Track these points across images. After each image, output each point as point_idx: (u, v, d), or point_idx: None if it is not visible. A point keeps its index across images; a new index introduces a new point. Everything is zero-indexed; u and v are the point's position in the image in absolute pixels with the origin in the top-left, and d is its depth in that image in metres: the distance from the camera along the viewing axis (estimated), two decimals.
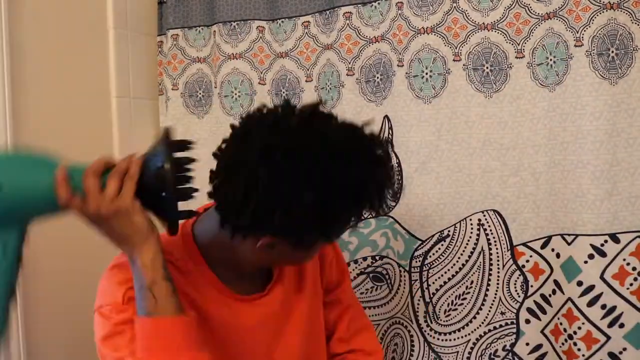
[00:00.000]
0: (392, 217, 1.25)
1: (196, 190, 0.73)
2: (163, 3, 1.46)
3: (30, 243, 1.17)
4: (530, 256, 1.12)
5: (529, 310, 1.13)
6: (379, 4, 1.24)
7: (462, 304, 1.18)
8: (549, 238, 1.11)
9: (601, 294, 1.04)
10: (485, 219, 1.16)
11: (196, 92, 1.45)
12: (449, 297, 1.19)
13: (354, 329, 1.01)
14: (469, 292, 1.18)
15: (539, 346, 1.13)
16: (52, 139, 1.24)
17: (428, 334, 1.21)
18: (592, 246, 1.04)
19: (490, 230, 1.15)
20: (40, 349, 1.20)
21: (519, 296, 1.14)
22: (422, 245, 1.21)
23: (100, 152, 1.37)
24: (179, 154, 0.74)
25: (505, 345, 1.15)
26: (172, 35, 1.44)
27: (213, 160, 1.45)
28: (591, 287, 1.05)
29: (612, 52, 1.01)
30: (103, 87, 1.36)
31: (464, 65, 1.16)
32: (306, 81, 1.34)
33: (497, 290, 1.16)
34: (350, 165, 0.69)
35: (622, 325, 1.03)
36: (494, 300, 1.16)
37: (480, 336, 1.17)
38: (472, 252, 1.17)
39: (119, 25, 1.39)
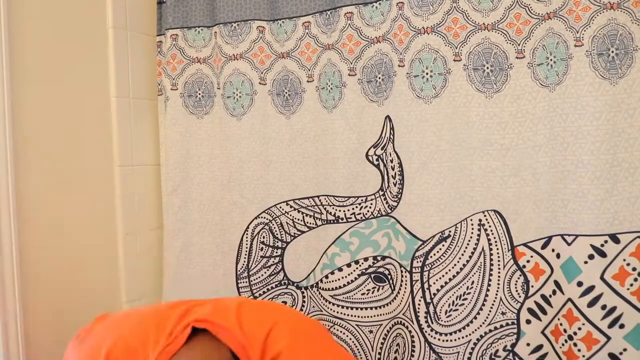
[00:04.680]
0: (394, 217, 1.25)
1: None
2: (162, 3, 1.46)
3: (30, 244, 1.17)
4: (531, 256, 1.12)
5: (530, 310, 1.13)
6: (379, 4, 1.24)
7: (462, 304, 1.18)
8: (549, 238, 1.11)
9: (601, 294, 1.04)
10: (486, 219, 1.16)
11: (195, 92, 1.45)
12: (450, 297, 1.19)
13: None
14: (469, 293, 1.17)
15: (539, 347, 1.13)
16: (51, 139, 1.25)
17: (429, 334, 1.21)
18: (592, 246, 1.04)
19: (491, 230, 1.15)
20: (41, 348, 1.19)
21: (520, 296, 1.14)
22: (423, 246, 1.21)
23: (100, 152, 1.38)
24: None
25: (505, 346, 1.15)
26: (171, 35, 1.44)
27: (212, 161, 1.46)
28: (591, 288, 1.05)
29: (612, 52, 1.02)
30: (102, 87, 1.36)
31: (464, 65, 1.16)
32: (308, 81, 1.34)
33: (497, 291, 1.16)
34: None
35: (622, 326, 1.03)
36: (494, 301, 1.16)
37: (481, 336, 1.17)
38: (472, 253, 1.17)
39: (119, 25, 1.39)
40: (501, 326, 1.16)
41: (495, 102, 1.14)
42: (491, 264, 1.16)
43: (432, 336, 1.21)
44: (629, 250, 1.03)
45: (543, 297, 1.12)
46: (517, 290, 1.14)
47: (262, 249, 1.39)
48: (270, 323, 0.93)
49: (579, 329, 1.06)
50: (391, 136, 1.24)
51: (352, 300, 1.29)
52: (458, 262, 1.18)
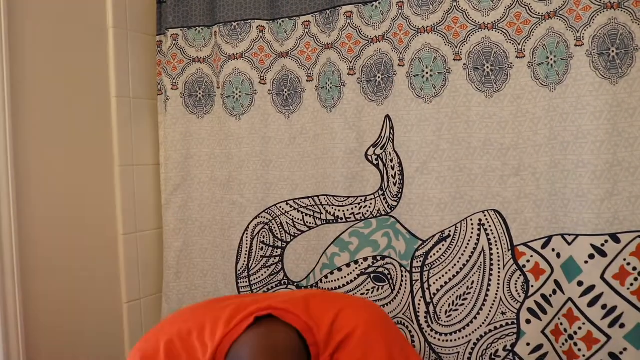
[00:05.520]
0: (394, 217, 1.25)
1: None
2: (162, 3, 1.46)
3: (31, 244, 1.17)
4: (531, 256, 1.12)
5: (530, 310, 1.13)
6: (379, 3, 1.24)
7: (462, 304, 1.18)
8: (550, 238, 1.10)
9: (602, 294, 1.04)
10: (486, 219, 1.16)
11: (196, 92, 1.45)
12: (450, 297, 1.19)
13: None
14: (469, 293, 1.17)
15: (539, 346, 1.13)
16: (51, 139, 1.25)
17: (429, 334, 1.21)
18: (593, 246, 1.04)
19: (491, 230, 1.15)
20: (41, 348, 1.19)
21: (520, 296, 1.14)
22: (423, 245, 1.21)
23: (100, 152, 1.38)
24: None
25: (505, 346, 1.15)
26: (171, 35, 1.44)
27: (212, 160, 1.46)
28: (592, 287, 1.04)
29: (613, 51, 1.01)
30: (102, 86, 1.36)
31: (464, 64, 1.16)
32: (307, 81, 1.34)
33: (497, 291, 1.15)
34: None
35: (622, 326, 1.03)
36: (494, 301, 1.16)
37: (481, 336, 1.17)
38: (472, 252, 1.17)
39: (119, 24, 1.39)
40: (501, 326, 1.15)
41: (496, 102, 1.14)
42: (491, 264, 1.16)
43: (432, 336, 1.21)
44: (630, 249, 1.02)
45: (543, 296, 1.12)
46: (517, 290, 1.14)
47: (262, 249, 1.39)
48: (338, 307, 0.95)
49: (580, 328, 1.06)
50: (391, 136, 1.24)
51: None
52: (458, 262, 1.18)
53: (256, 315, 0.92)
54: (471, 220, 1.17)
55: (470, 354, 1.18)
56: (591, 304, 1.04)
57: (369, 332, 0.93)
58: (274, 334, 0.89)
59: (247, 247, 1.40)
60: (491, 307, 1.16)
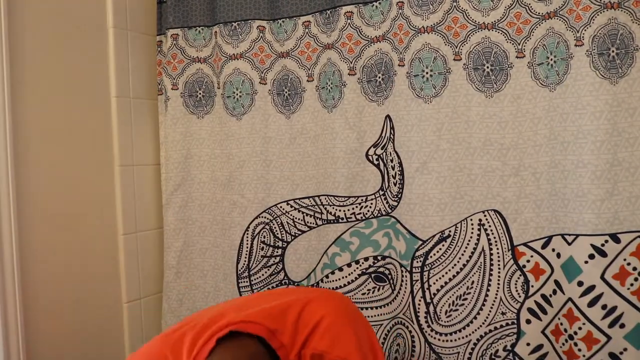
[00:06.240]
0: (394, 217, 1.25)
1: None
2: (163, 3, 1.46)
3: (31, 244, 1.17)
4: (531, 256, 1.12)
5: (530, 310, 1.13)
6: (379, 3, 1.24)
7: (462, 304, 1.18)
8: (550, 238, 1.11)
9: (602, 294, 1.04)
10: (486, 219, 1.16)
11: (196, 92, 1.45)
12: (450, 297, 1.19)
13: None
14: (469, 293, 1.17)
15: (539, 346, 1.13)
16: (51, 139, 1.25)
17: (429, 334, 1.21)
18: (593, 246, 1.04)
19: (491, 230, 1.15)
20: (41, 349, 1.19)
21: (520, 296, 1.14)
22: (423, 245, 1.21)
23: (100, 152, 1.38)
24: None
25: (505, 346, 1.15)
26: (171, 35, 1.44)
27: (212, 160, 1.46)
28: (592, 287, 1.05)
29: (613, 51, 1.01)
30: (102, 86, 1.36)
31: (464, 64, 1.16)
32: (308, 81, 1.34)
33: (497, 291, 1.16)
34: None
35: (622, 326, 1.03)
36: (494, 301, 1.16)
37: (481, 336, 1.17)
38: (472, 253, 1.17)
39: (119, 25, 1.39)
40: (501, 326, 1.16)
41: (496, 102, 1.14)
42: (491, 264, 1.16)
43: (432, 336, 1.21)
44: (630, 249, 1.03)
45: (543, 296, 1.12)
46: (517, 290, 1.14)
47: (262, 249, 1.39)
48: (301, 303, 0.95)
49: (580, 328, 1.06)
50: (391, 136, 1.24)
51: (353, 300, 1.29)
52: (458, 262, 1.18)
53: (217, 337, 0.91)
54: (471, 220, 1.17)
55: (470, 354, 1.18)
56: (591, 304, 1.04)
57: (337, 320, 0.93)
58: (236, 355, 0.88)
59: (247, 247, 1.40)
60: (491, 307, 1.16)
